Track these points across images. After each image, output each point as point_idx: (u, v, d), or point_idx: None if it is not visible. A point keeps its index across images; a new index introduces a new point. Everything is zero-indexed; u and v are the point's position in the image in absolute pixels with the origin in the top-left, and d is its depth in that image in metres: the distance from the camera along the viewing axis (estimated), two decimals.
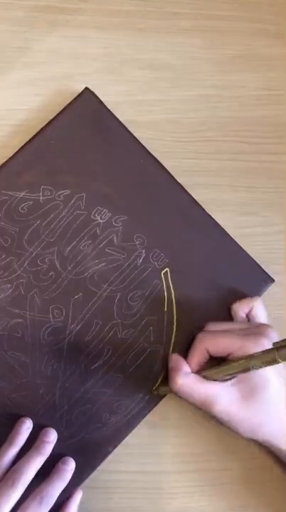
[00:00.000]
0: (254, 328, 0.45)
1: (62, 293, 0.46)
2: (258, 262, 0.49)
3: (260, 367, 0.40)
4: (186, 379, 0.43)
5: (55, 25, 0.49)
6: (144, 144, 0.49)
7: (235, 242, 0.49)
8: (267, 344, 0.42)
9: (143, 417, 0.47)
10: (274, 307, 0.50)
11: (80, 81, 0.49)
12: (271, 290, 0.50)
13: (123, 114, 0.50)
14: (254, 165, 0.51)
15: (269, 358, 0.39)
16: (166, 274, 0.47)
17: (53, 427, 0.45)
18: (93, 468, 0.46)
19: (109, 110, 0.48)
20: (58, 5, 0.50)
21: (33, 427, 0.45)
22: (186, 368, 0.44)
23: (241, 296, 0.48)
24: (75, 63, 0.50)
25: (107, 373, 0.46)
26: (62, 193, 0.47)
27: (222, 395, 0.43)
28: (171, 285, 0.47)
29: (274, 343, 0.39)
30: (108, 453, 0.46)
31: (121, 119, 0.49)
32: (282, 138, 0.52)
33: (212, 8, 0.51)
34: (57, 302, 0.46)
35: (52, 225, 0.46)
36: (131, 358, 0.47)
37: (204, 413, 0.44)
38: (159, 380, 0.47)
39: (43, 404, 0.46)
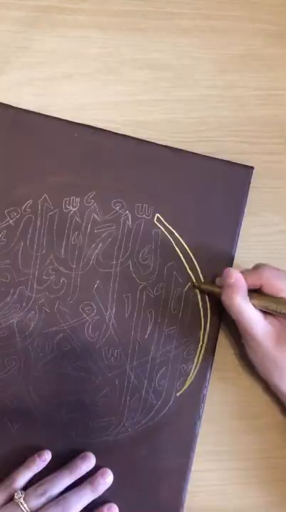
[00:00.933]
0: None
1: (81, 290, 0.47)
2: (258, 261, 0.49)
3: None
4: (244, 301, 0.44)
5: (55, 25, 0.49)
6: None
7: (198, 155, 0.49)
8: None
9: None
10: None
11: (80, 81, 0.49)
12: None
13: (123, 114, 0.50)
14: (254, 165, 0.51)
15: None
16: (158, 220, 0.48)
17: (141, 409, 0.46)
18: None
19: (16, 108, 0.47)
20: (58, 5, 0.50)
21: (124, 418, 0.46)
22: (245, 289, 0.44)
23: (235, 200, 0.48)
24: (75, 63, 0.50)
25: (162, 333, 0.47)
26: (26, 206, 0.47)
27: (261, 328, 0.44)
28: (169, 227, 0.48)
29: None
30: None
31: (120, 119, 0.49)
32: (282, 138, 0.52)
33: (212, 8, 0.51)
34: (82, 301, 0.47)
35: (35, 239, 0.46)
36: (174, 307, 0.47)
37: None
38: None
39: (126, 392, 0.46)
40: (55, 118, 0.48)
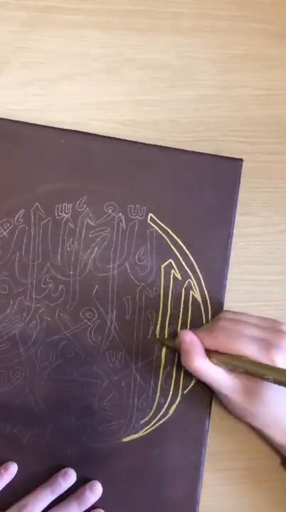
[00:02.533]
0: (270, 334, 0.44)
1: (80, 296, 0.47)
2: (258, 261, 0.49)
3: (275, 381, 0.41)
4: (203, 362, 0.43)
5: (55, 25, 0.49)
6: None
7: (186, 151, 0.49)
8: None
9: None
10: (274, 307, 0.50)
11: (80, 81, 0.49)
12: (271, 290, 0.50)
13: (123, 114, 0.50)
14: (254, 165, 0.51)
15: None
16: (152, 219, 0.48)
17: (149, 409, 0.47)
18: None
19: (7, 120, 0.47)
20: (58, 5, 0.50)
21: (133, 419, 0.46)
22: (202, 351, 0.44)
23: (227, 194, 0.48)
24: (75, 63, 0.49)
25: (164, 330, 0.47)
26: (18, 216, 0.47)
27: (227, 385, 0.44)
28: (163, 225, 0.48)
29: None
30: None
31: (120, 119, 0.49)
32: (282, 138, 0.52)
33: (212, 8, 0.51)
34: (82, 306, 0.47)
35: (31, 248, 0.46)
36: (174, 305, 0.47)
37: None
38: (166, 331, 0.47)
39: (134, 394, 0.46)
40: (41, 126, 0.47)
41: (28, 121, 0.48)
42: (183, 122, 0.50)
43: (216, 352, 0.44)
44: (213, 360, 0.44)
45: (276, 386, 0.42)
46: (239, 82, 0.51)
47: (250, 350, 0.42)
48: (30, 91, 0.49)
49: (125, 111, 0.50)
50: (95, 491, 0.45)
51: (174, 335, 0.47)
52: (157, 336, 0.47)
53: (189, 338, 0.44)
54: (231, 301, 0.49)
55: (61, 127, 0.48)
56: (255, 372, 0.42)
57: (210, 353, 0.44)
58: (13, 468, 0.45)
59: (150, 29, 0.51)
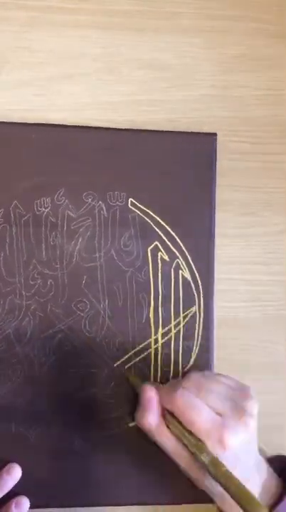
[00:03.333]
0: (231, 410, 0.40)
1: (70, 289, 0.47)
2: (258, 261, 0.49)
3: (214, 478, 0.39)
4: (155, 423, 0.42)
5: (55, 25, 0.49)
6: None
7: (159, 131, 0.49)
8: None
9: None
10: (274, 307, 0.50)
11: (80, 81, 0.49)
12: (271, 290, 0.50)
13: (123, 114, 0.50)
14: (254, 165, 0.51)
15: (224, 482, 0.38)
16: (133, 204, 0.48)
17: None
18: None
19: None
20: (58, 5, 0.49)
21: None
22: (157, 411, 0.42)
23: (204, 169, 0.48)
24: (75, 63, 0.49)
25: (158, 314, 0.47)
26: None
27: (176, 454, 0.41)
28: (144, 209, 0.48)
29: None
30: None
31: (120, 119, 0.49)
32: (283, 138, 0.52)
33: (212, 8, 0.51)
34: (74, 299, 0.47)
35: (14, 247, 0.46)
36: (165, 287, 0.48)
37: None
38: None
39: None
40: (8, 123, 0.47)
41: (28, 121, 0.48)
42: (183, 122, 0.50)
43: (172, 418, 0.41)
44: (168, 425, 0.41)
45: None
46: (239, 82, 0.51)
47: (203, 426, 0.39)
48: (30, 91, 0.49)
49: (125, 111, 0.50)
50: (13, 474, 0.44)
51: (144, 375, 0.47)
52: (120, 369, 0.47)
53: (148, 395, 0.42)
54: (231, 301, 0.49)
55: (28, 122, 0.48)
56: (196, 458, 0.39)
57: (168, 413, 0.42)
58: (17, 473, 0.45)
59: (150, 29, 0.50)
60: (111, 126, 0.49)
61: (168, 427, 0.41)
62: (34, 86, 0.49)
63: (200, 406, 0.40)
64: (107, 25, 0.50)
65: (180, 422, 0.40)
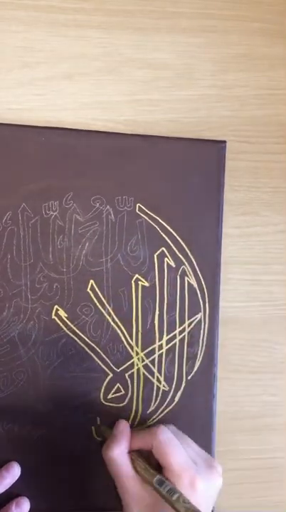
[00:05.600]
0: (203, 462, 0.42)
1: (76, 293, 0.47)
2: (258, 261, 0.49)
3: None
4: (120, 456, 0.42)
5: (55, 25, 0.49)
6: None
7: (168, 138, 0.49)
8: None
9: None
10: (274, 307, 0.50)
11: (80, 81, 0.49)
12: (271, 290, 0.50)
13: (123, 114, 0.50)
14: (254, 165, 0.51)
15: None
16: (140, 209, 0.48)
17: (155, 398, 0.47)
18: None
19: None
20: (58, 5, 0.49)
21: (140, 410, 0.47)
22: (125, 443, 0.43)
23: (213, 177, 0.48)
24: (75, 63, 0.49)
25: (163, 320, 0.47)
26: (6, 218, 0.46)
27: (133, 493, 0.41)
28: (152, 214, 0.48)
29: None
30: None
31: (120, 119, 0.49)
32: (283, 138, 0.52)
33: (212, 8, 0.51)
34: (79, 303, 0.47)
35: (21, 249, 0.46)
36: (170, 293, 0.48)
37: None
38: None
39: (138, 384, 0.47)
40: (20, 125, 0.47)
41: (28, 121, 0.48)
42: (183, 122, 0.50)
43: (140, 455, 0.42)
44: (132, 459, 0.42)
45: None
46: (239, 82, 0.51)
47: (179, 465, 0.40)
48: (30, 91, 0.49)
49: (125, 111, 0.50)
50: (11, 472, 0.45)
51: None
52: (93, 433, 0.47)
53: (121, 427, 0.44)
54: (231, 301, 0.49)
55: (39, 125, 0.48)
56: (166, 498, 0.39)
57: (135, 452, 0.42)
58: (16, 470, 0.45)
59: (150, 29, 0.50)
60: (112, 127, 0.49)
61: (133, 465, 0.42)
62: (34, 86, 0.49)
63: (179, 447, 0.41)
64: (107, 25, 0.50)
65: (145, 461, 0.41)
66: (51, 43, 0.49)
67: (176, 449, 0.41)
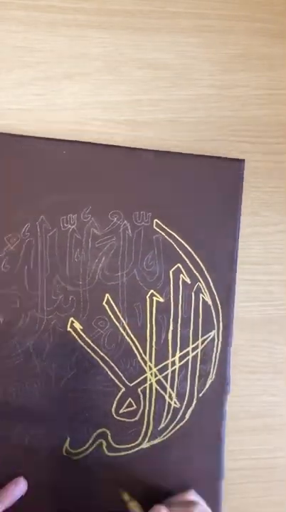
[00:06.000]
0: None
1: (91, 306, 0.47)
2: (258, 261, 0.49)
3: None
4: None
5: (55, 25, 0.49)
6: (144, 144, 0.49)
7: (187, 154, 0.48)
8: None
9: None
10: (274, 307, 0.50)
11: (80, 81, 0.49)
12: (271, 290, 0.50)
13: (123, 113, 0.50)
14: (254, 165, 0.51)
15: None
16: (158, 225, 0.48)
17: (166, 414, 0.47)
18: None
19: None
20: (58, 5, 0.49)
21: (151, 426, 0.47)
22: None
23: (231, 195, 0.48)
24: (75, 63, 0.49)
25: (177, 336, 0.47)
26: (24, 230, 0.46)
27: None
28: (169, 230, 0.48)
29: None
30: None
31: (120, 118, 0.49)
32: (283, 138, 0.52)
33: (212, 8, 0.51)
34: (94, 316, 0.47)
35: (39, 261, 0.46)
36: (185, 310, 0.48)
37: None
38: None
39: (150, 399, 0.47)
40: (42, 138, 0.47)
41: (28, 120, 0.48)
42: (183, 122, 0.50)
43: None
44: None
45: None
46: (239, 82, 0.51)
47: None
48: (31, 91, 0.49)
49: (125, 111, 0.50)
50: (19, 485, 0.44)
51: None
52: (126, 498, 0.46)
53: None
54: None
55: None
56: None
57: None
58: (23, 486, 0.45)
59: (150, 29, 0.50)
60: (112, 127, 0.49)
61: None
62: (34, 86, 0.49)
63: None
64: (107, 25, 0.50)
65: None
66: (51, 43, 0.49)
67: None
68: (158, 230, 0.47)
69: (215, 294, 0.48)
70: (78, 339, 0.46)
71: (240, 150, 0.51)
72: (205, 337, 0.48)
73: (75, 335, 0.46)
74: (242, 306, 0.50)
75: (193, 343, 0.47)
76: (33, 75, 0.49)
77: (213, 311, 0.48)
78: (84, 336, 0.46)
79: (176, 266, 0.48)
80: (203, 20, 0.51)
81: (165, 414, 0.47)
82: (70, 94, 0.49)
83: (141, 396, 0.47)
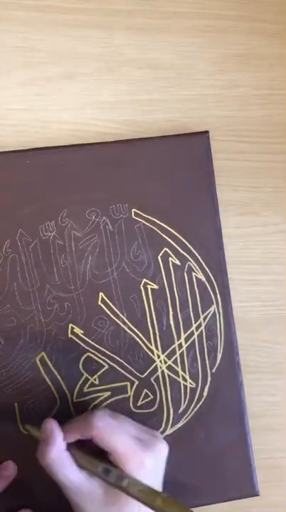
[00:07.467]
0: (146, 435, 0.42)
1: (88, 308, 0.46)
2: (258, 261, 0.49)
3: (137, 499, 0.38)
4: (58, 460, 0.40)
5: (55, 25, 0.49)
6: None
7: (151, 138, 0.48)
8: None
9: None
10: (274, 307, 0.50)
11: (80, 81, 0.49)
12: (271, 290, 0.50)
13: (123, 114, 0.50)
14: (254, 165, 0.51)
15: (149, 500, 0.37)
16: (137, 214, 0.47)
17: (183, 397, 0.47)
18: None
19: None
20: (58, 4, 0.49)
21: (171, 412, 0.47)
22: (59, 441, 0.40)
23: (202, 169, 0.48)
24: (75, 63, 0.49)
25: (178, 319, 0.47)
26: (5, 247, 0.46)
27: (84, 495, 0.40)
28: (149, 217, 0.47)
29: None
30: None
31: (120, 119, 0.49)
32: (283, 138, 0.52)
33: (212, 8, 0.51)
34: (92, 317, 0.47)
35: (26, 275, 0.46)
36: (181, 291, 0.47)
37: None
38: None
39: (164, 386, 0.47)
40: (2, 152, 0.46)
41: (28, 120, 0.48)
42: (183, 122, 0.50)
43: (81, 454, 0.40)
44: (72, 454, 0.40)
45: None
46: (239, 82, 0.51)
47: (124, 449, 0.39)
48: (31, 91, 0.49)
49: (125, 111, 0.50)
50: (8, 468, 0.44)
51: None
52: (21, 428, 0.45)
53: (50, 427, 0.40)
54: (231, 301, 0.49)
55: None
56: (116, 486, 0.39)
57: (73, 446, 0.41)
58: (12, 470, 0.44)
59: (150, 29, 0.50)
60: (112, 127, 0.49)
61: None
62: (34, 86, 0.49)
63: (120, 429, 0.40)
64: (108, 25, 0.50)
65: (87, 452, 0.40)
66: (51, 42, 0.49)
67: (117, 433, 0.40)
68: (137, 219, 0.47)
69: (207, 269, 0.48)
70: (82, 344, 0.46)
71: (240, 150, 0.51)
72: (206, 313, 0.48)
73: (77, 340, 0.46)
74: (242, 306, 0.50)
75: (195, 322, 0.48)
76: (34, 75, 0.49)
77: (208, 286, 0.48)
78: (86, 339, 0.46)
79: (163, 250, 0.47)
80: (203, 20, 0.51)
81: (182, 396, 0.47)
82: (70, 94, 0.49)
83: (156, 385, 0.47)
